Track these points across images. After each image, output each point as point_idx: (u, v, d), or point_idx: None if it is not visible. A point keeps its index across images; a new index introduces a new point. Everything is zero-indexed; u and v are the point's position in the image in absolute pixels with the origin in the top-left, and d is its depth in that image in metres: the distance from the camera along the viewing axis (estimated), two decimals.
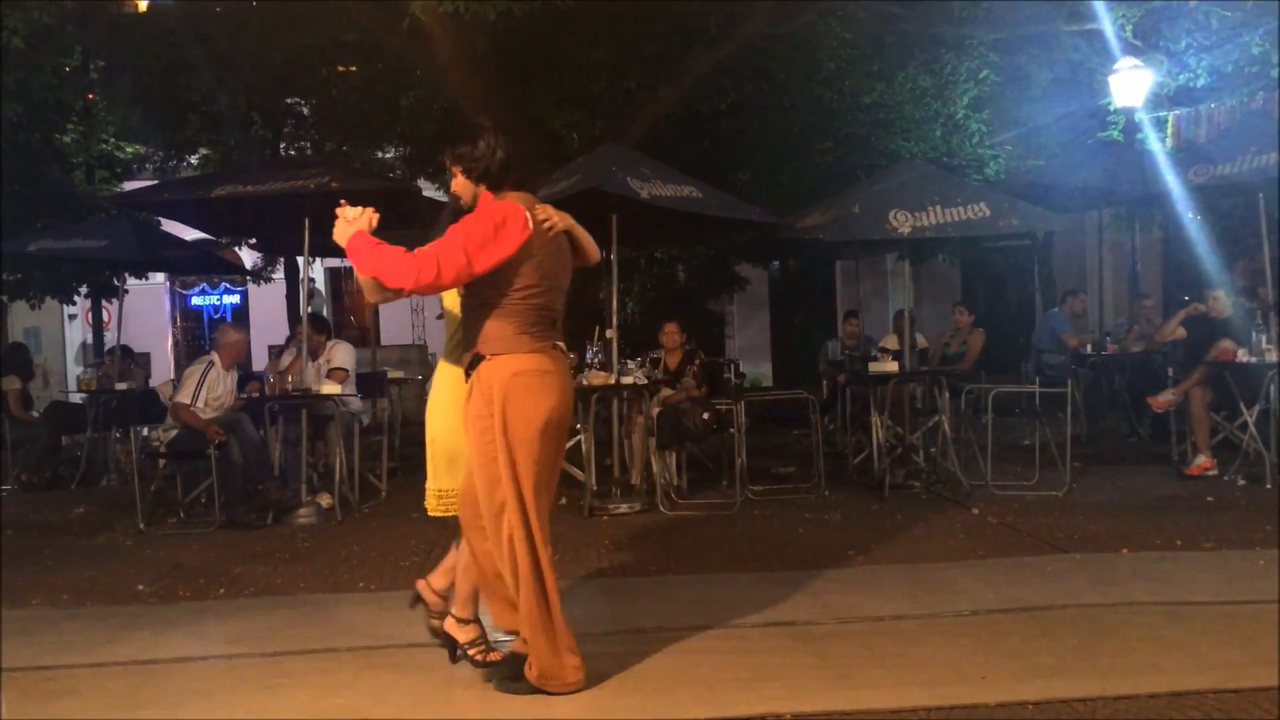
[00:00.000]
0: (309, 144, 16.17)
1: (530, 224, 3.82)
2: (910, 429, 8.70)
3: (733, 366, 11.93)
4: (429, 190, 14.64)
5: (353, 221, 3.93)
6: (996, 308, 18.56)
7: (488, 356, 3.81)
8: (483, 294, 3.83)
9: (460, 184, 3.99)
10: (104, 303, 15.04)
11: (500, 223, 3.76)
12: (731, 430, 8.00)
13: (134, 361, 11.81)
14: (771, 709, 3.56)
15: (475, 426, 3.81)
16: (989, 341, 10.56)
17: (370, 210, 3.99)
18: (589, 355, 8.48)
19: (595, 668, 4.03)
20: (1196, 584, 5.04)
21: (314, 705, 3.81)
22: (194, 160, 16.31)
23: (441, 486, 4.14)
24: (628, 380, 7.88)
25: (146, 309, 21.64)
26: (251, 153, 14.57)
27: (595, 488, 7.84)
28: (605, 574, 5.80)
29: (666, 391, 8.30)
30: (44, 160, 13.44)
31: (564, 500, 8.06)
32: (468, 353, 3.89)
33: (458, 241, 3.72)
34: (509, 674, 3.88)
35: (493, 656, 4.05)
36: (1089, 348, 10.58)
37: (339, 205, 4.02)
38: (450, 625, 4.15)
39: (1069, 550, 5.89)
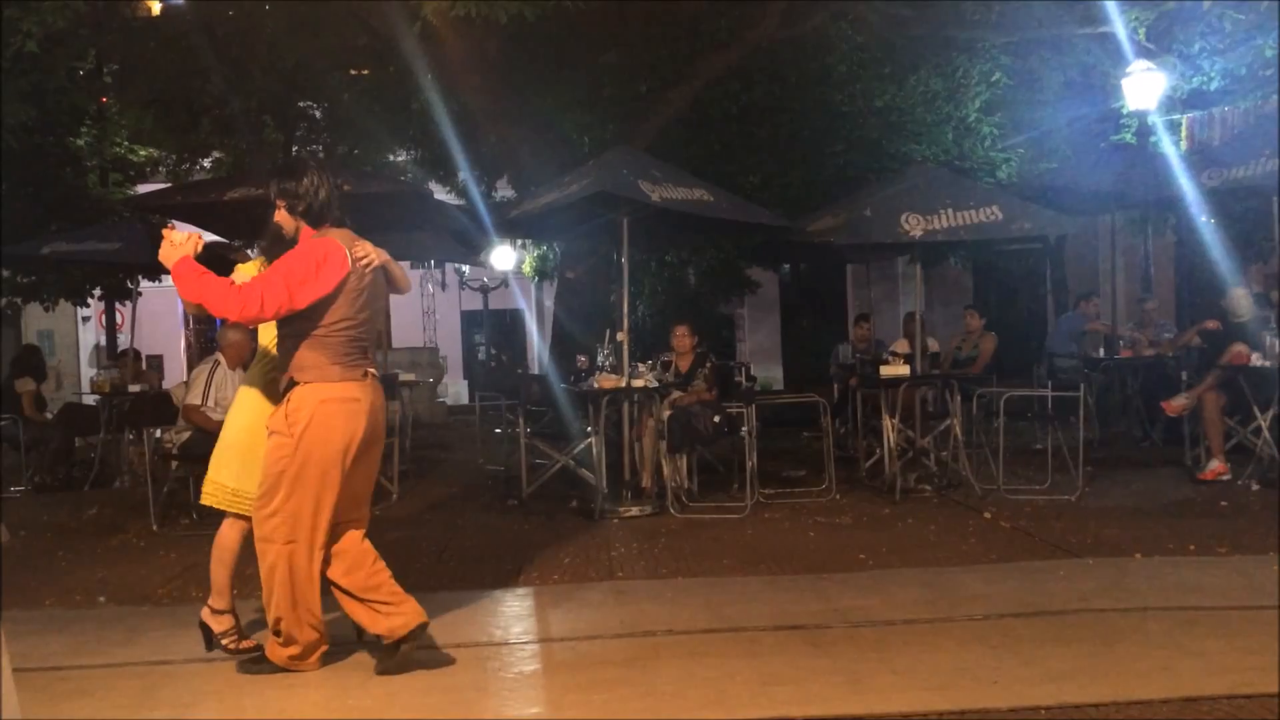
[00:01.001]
0: (321, 147, 16.23)
1: (349, 262, 4.07)
2: (922, 433, 8.68)
3: (743, 369, 11.90)
4: (440, 193, 14.71)
5: (179, 246, 4.05)
6: (1008, 311, 18.50)
7: (300, 383, 4.08)
8: (299, 325, 4.06)
9: (282, 217, 4.20)
10: (117, 305, 15.11)
11: (321, 260, 4.01)
12: (742, 433, 7.99)
13: (147, 364, 11.86)
14: (782, 713, 3.56)
15: (272, 440, 4.10)
16: (1001, 345, 10.53)
17: (197, 236, 4.14)
18: (600, 358, 8.48)
19: (604, 672, 4.04)
20: (1210, 589, 5.01)
21: (326, 707, 3.82)
22: (207, 163, 16.37)
23: (235, 486, 4.39)
24: (638, 383, 7.88)
25: (159, 311, 21.71)
26: (264, 156, 14.62)
27: (606, 490, 7.84)
28: (615, 577, 5.80)
29: (677, 394, 8.29)
30: (58, 163, 13.50)
31: (574, 503, 8.08)
32: (283, 374, 4.14)
33: (280, 278, 3.97)
34: (255, 659, 4.28)
35: (245, 644, 4.39)
36: (1101, 350, 10.55)
37: (168, 227, 4.25)
38: (206, 615, 4.45)
39: (1081, 555, 5.87)
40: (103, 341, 17.98)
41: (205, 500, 4.52)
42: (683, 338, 8.71)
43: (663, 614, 4.83)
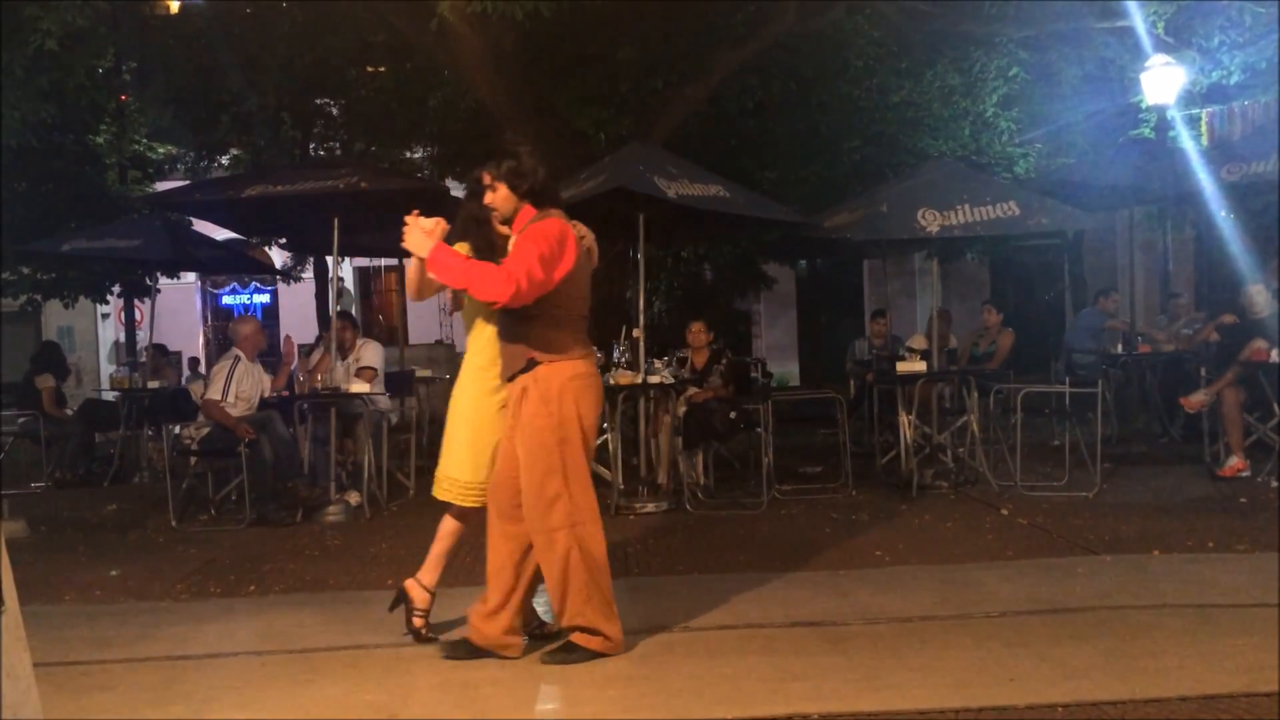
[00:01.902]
0: (338, 144, 16.27)
1: (577, 239, 4.16)
2: (938, 429, 8.66)
3: (759, 365, 11.92)
4: (456, 190, 14.71)
5: (430, 233, 4.11)
6: (1025, 307, 18.44)
7: (544, 362, 4.09)
8: (540, 304, 4.05)
9: (502, 198, 4.18)
10: (136, 302, 15.20)
11: (561, 239, 4.07)
12: (758, 429, 7.99)
13: (167, 360, 11.93)
14: (798, 709, 3.56)
15: (533, 424, 4.08)
16: (1018, 341, 10.49)
17: (441, 221, 4.19)
18: (616, 354, 8.48)
19: (621, 667, 4.04)
20: (1229, 586, 4.99)
21: (343, 702, 3.83)
22: (225, 161, 16.44)
23: (471, 479, 4.35)
24: (654, 379, 7.88)
25: (178, 308, 21.84)
26: (281, 153, 14.67)
27: (622, 487, 7.85)
28: (631, 573, 5.80)
29: (693, 390, 8.29)
30: (77, 161, 13.60)
31: None
32: (517, 356, 4.12)
33: (535, 257, 3.97)
34: (564, 647, 4.16)
35: (425, 630, 4.44)
36: (1120, 346, 10.50)
37: (411, 214, 4.19)
38: (411, 584, 4.49)
39: (1099, 552, 5.85)
40: (122, 338, 18.09)
41: (440, 495, 4.47)
42: (699, 334, 8.71)
43: (678, 610, 4.83)
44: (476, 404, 4.35)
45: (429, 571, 4.50)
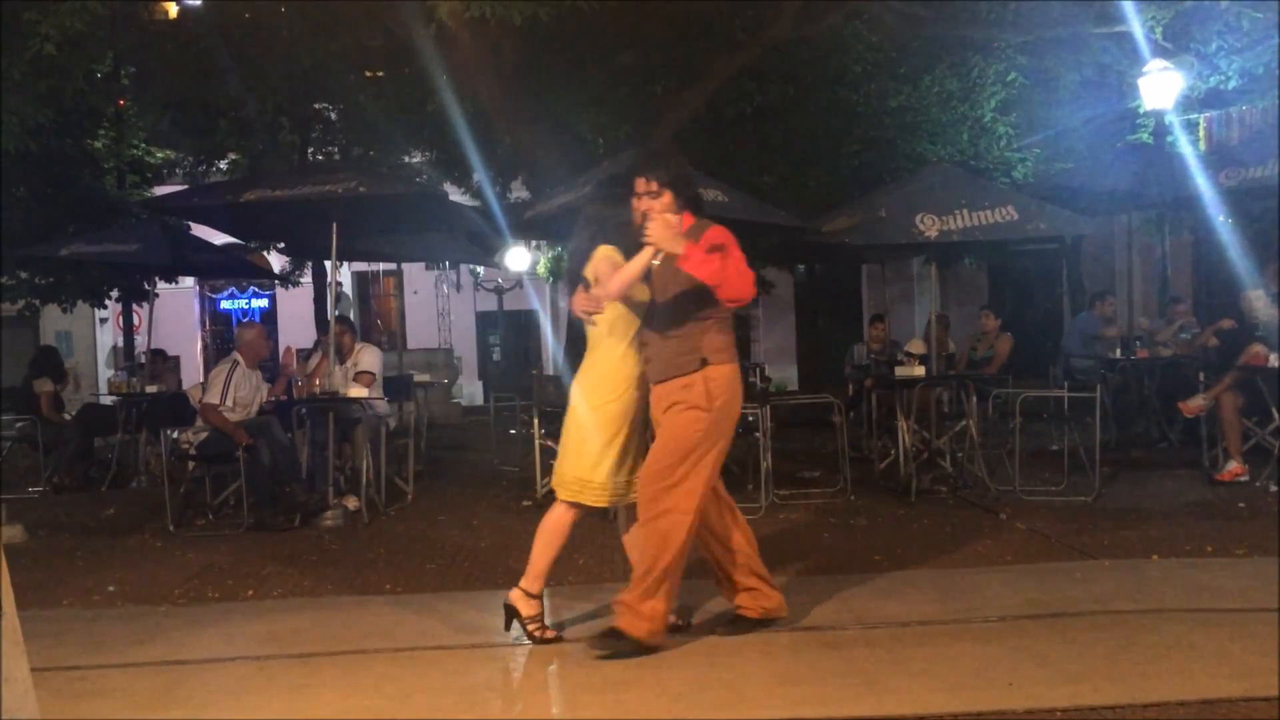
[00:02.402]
0: (337, 149, 16.27)
1: None
2: (937, 433, 8.66)
3: (758, 370, 11.89)
4: (455, 195, 14.74)
5: (676, 227, 4.16)
6: (1024, 312, 18.44)
7: (715, 363, 4.25)
8: (714, 308, 4.23)
9: (665, 204, 4.26)
10: (134, 306, 15.21)
11: (735, 244, 4.21)
12: (756, 434, 7.98)
13: (166, 365, 11.93)
14: (797, 714, 3.55)
15: (689, 414, 4.21)
16: (1016, 346, 10.49)
17: (681, 219, 4.25)
18: None
19: (619, 672, 4.04)
20: (1228, 590, 4.99)
21: (341, 706, 3.83)
22: (223, 165, 16.44)
23: (587, 478, 4.38)
24: None
25: (176, 312, 21.87)
26: (280, 158, 14.67)
27: None
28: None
29: None
30: (76, 165, 13.60)
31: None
32: (686, 356, 4.23)
33: (744, 262, 4.16)
34: (612, 639, 4.22)
35: (548, 634, 4.45)
36: (1118, 351, 10.51)
37: (665, 208, 4.23)
38: (515, 597, 4.44)
39: (1098, 556, 5.85)
40: (120, 342, 18.09)
41: (568, 497, 4.48)
42: None
43: (678, 614, 4.81)
44: (605, 398, 4.36)
45: (533, 581, 4.48)
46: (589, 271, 4.36)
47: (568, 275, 4.85)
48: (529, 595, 4.43)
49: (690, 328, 4.26)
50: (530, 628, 4.40)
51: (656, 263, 4.26)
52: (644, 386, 4.37)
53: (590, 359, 4.48)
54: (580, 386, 4.44)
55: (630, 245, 4.26)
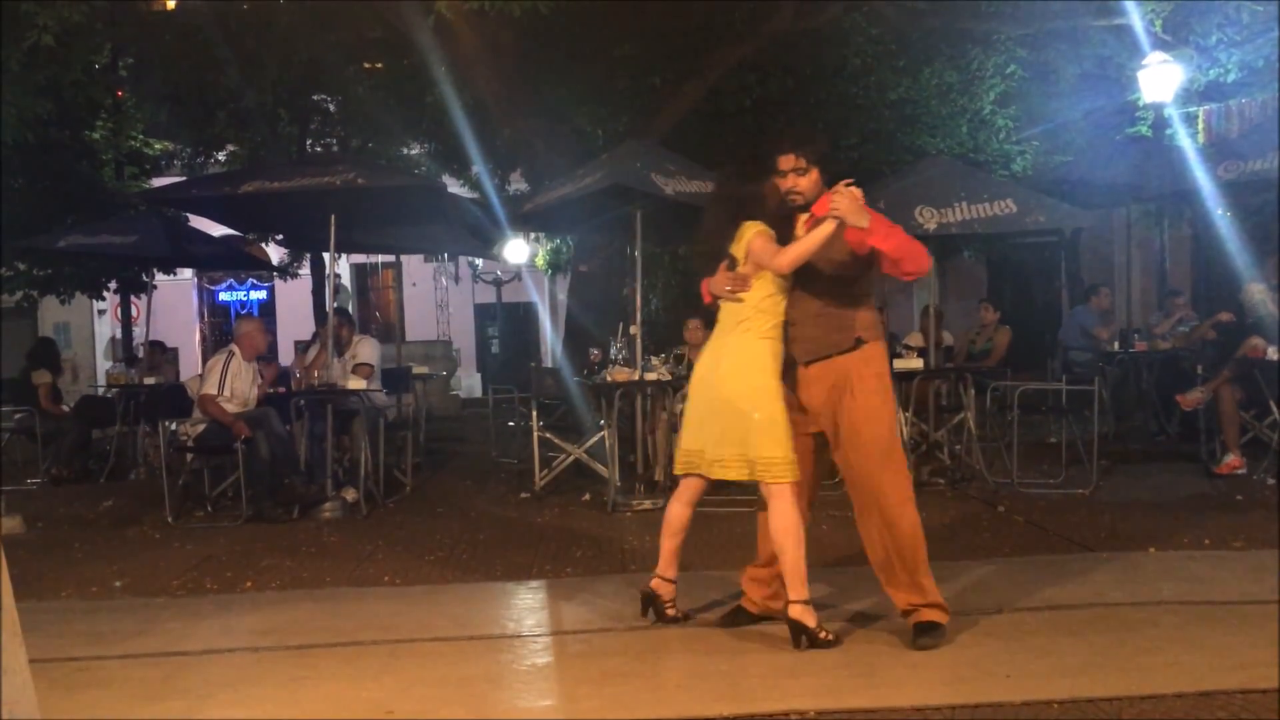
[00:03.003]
0: (335, 140, 16.28)
1: None
2: (935, 426, 8.66)
3: None
4: (454, 187, 14.74)
5: (861, 202, 4.01)
6: (1023, 304, 18.45)
7: (870, 341, 4.17)
8: (863, 286, 4.18)
9: (812, 182, 4.19)
10: (133, 298, 15.21)
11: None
12: None
13: (164, 356, 11.92)
14: (795, 706, 3.56)
15: (874, 400, 4.13)
16: (1015, 338, 10.49)
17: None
18: (613, 351, 8.49)
19: (618, 664, 4.04)
20: (1225, 583, 4.99)
21: (339, 698, 3.83)
22: (221, 157, 16.45)
23: (779, 455, 4.24)
24: (651, 376, 7.88)
25: (175, 304, 21.86)
26: (278, 149, 14.67)
27: (619, 484, 7.86)
28: (628, 570, 5.81)
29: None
30: (74, 157, 13.59)
31: (588, 496, 8.09)
32: (840, 334, 4.14)
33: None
34: (928, 631, 4.13)
35: (677, 612, 4.52)
36: (1116, 344, 10.51)
37: (846, 182, 4.05)
38: (798, 612, 4.17)
39: (1096, 549, 5.85)
40: (118, 334, 18.08)
41: (718, 474, 4.48)
42: (696, 331, 8.71)
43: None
44: (756, 376, 4.23)
45: (668, 567, 4.53)
46: (738, 249, 4.22)
47: (695, 256, 4.67)
48: (803, 603, 4.19)
49: (843, 305, 4.17)
50: (821, 635, 4.15)
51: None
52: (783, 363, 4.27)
53: (734, 340, 4.30)
54: (732, 368, 4.27)
55: (768, 222, 4.18)
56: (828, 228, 4.01)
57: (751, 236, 4.17)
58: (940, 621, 4.13)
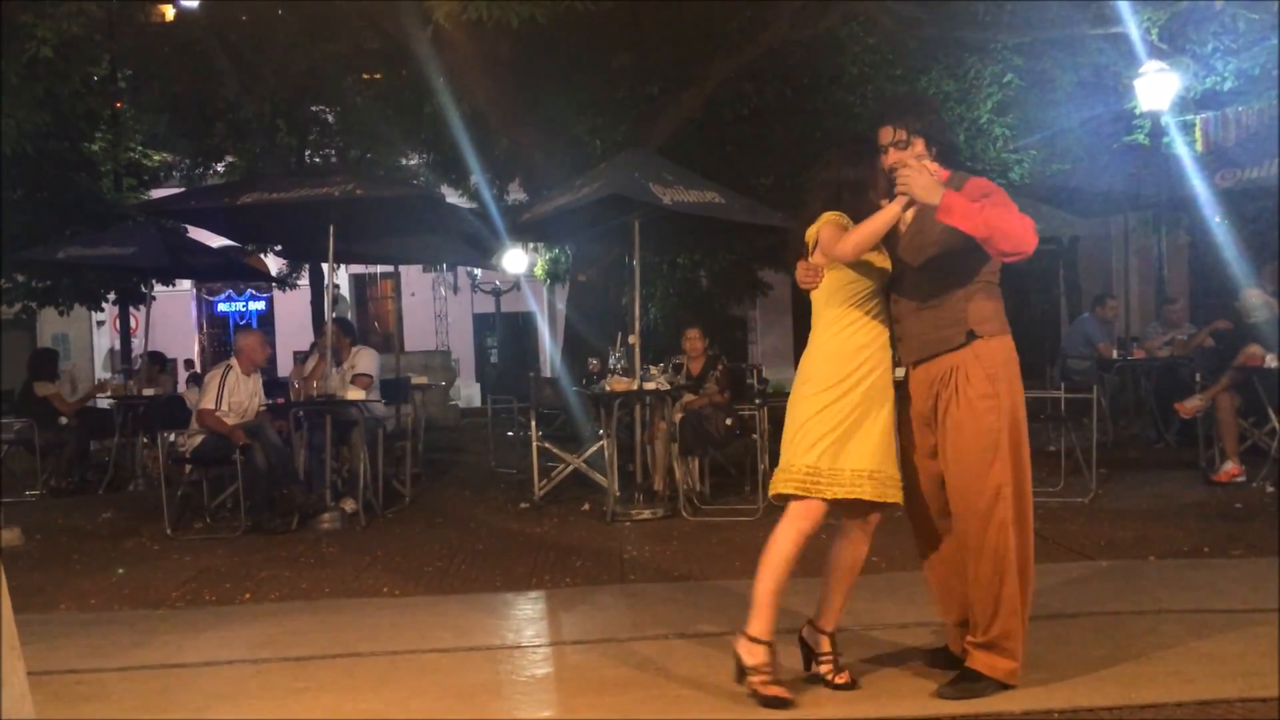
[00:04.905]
0: (334, 151, 16.30)
1: None
2: None
3: (755, 372, 11.91)
4: (452, 197, 14.75)
5: (940, 176, 3.59)
6: (1021, 312, 18.44)
7: (984, 336, 3.65)
8: (975, 272, 3.67)
9: (916, 156, 3.68)
10: (131, 309, 15.20)
11: (1004, 194, 3.63)
12: (754, 436, 7.99)
13: (163, 368, 11.91)
14: (795, 715, 3.55)
15: (979, 405, 3.59)
16: (1014, 346, 10.48)
17: (941, 170, 3.66)
18: (612, 361, 8.49)
19: (618, 673, 4.04)
20: (1225, 591, 4.99)
21: (338, 710, 3.82)
22: (220, 168, 16.46)
23: (866, 467, 3.69)
24: (650, 386, 7.88)
25: (173, 315, 21.85)
26: (277, 160, 14.69)
27: (618, 493, 7.86)
28: (628, 579, 5.81)
29: (689, 397, 8.30)
30: (72, 168, 13.59)
31: (586, 506, 8.09)
32: (948, 329, 3.66)
33: (1014, 208, 3.54)
34: (964, 681, 3.66)
35: (773, 691, 3.63)
36: (1114, 353, 10.52)
37: (916, 154, 3.66)
38: (740, 645, 3.70)
39: (1095, 557, 5.85)
40: (117, 345, 18.07)
41: (784, 489, 3.84)
42: (694, 340, 8.71)
43: (675, 617, 4.83)
44: (839, 377, 3.71)
45: (829, 616, 3.88)
46: (810, 237, 3.82)
47: (789, 251, 4.04)
48: (823, 631, 3.86)
49: (951, 295, 3.66)
50: (753, 680, 3.66)
51: (908, 217, 3.69)
52: (880, 360, 3.75)
53: (811, 339, 3.85)
54: (804, 372, 3.83)
55: (866, 210, 3.68)
56: (894, 208, 3.59)
57: (820, 224, 3.77)
58: (993, 676, 3.62)
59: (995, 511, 3.57)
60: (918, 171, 3.56)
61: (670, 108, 11.34)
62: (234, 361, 8.10)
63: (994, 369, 3.63)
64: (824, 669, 3.81)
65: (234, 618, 5.29)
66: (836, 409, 3.69)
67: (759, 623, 3.69)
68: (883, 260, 3.77)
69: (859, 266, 3.72)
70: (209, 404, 7.83)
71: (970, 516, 3.63)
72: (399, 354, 12.21)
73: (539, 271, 19.84)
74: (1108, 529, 6.59)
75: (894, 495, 3.75)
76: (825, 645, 3.84)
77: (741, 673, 3.67)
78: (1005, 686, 3.62)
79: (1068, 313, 15.96)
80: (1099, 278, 16.61)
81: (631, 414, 8.24)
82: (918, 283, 3.73)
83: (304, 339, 15.05)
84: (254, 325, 23.54)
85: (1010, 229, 3.48)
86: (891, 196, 3.63)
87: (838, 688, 3.75)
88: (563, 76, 11.60)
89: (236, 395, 7.96)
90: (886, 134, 3.75)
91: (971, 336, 3.65)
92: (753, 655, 3.66)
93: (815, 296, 3.85)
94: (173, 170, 16.57)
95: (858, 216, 3.70)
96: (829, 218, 3.77)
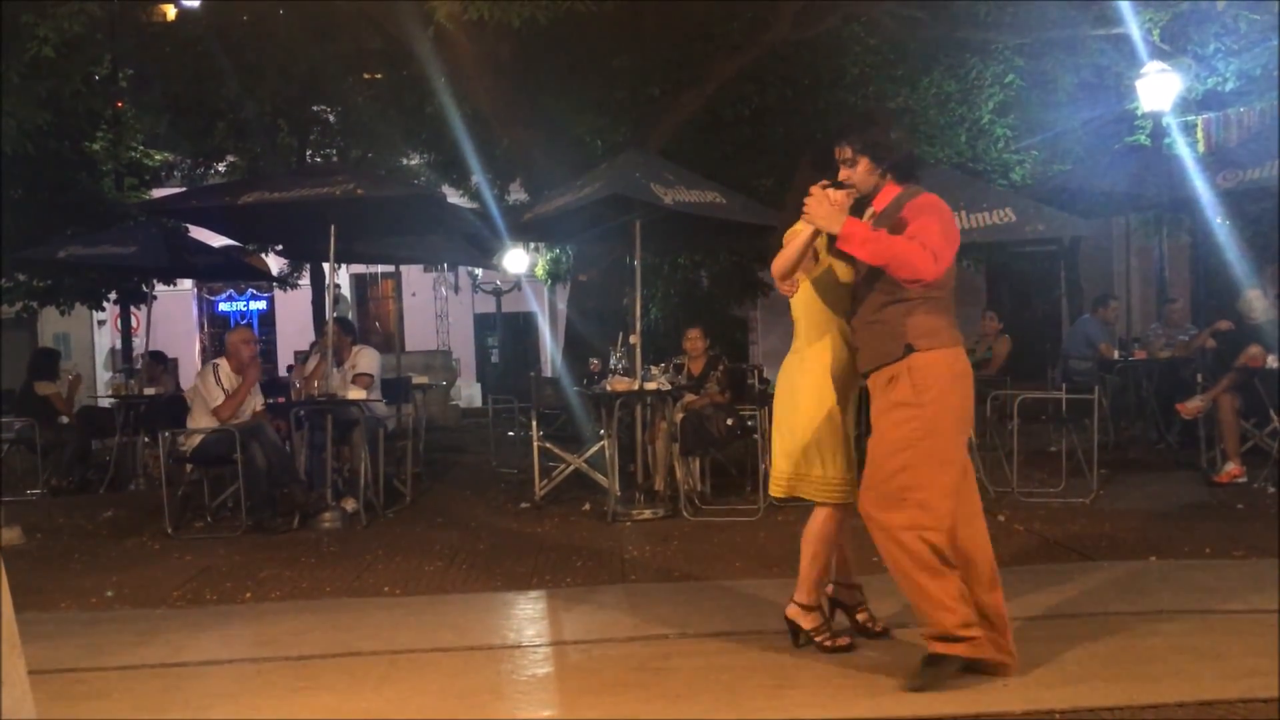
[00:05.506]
0: (335, 151, 16.30)
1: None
2: None
3: (756, 372, 11.90)
4: (453, 197, 14.75)
5: (840, 204, 3.79)
6: (1022, 313, 18.44)
7: (921, 350, 3.77)
8: (924, 286, 3.74)
9: (863, 173, 3.87)
10: (133, 309, 15.20)
11: (949, 215, 3.80)
12: (755, 436, 7.99)
13: (164, 367, 11.91)
14: (795, 715, 3.55)
15: (897, 413, 3.77)
16: (1015, 347, 10.49)
17: (853, 192, 3.87)
18: (613, 361, 8.49)
19: (618, 674, 4.04)
20: (1226, 592, 4.99)
21: (339, 709, 3.82)
22: (221, 167, 16.47)
23: (832, 475, 4.05)
24: (651, 386, 7.88)
25: (174, 315, 21.86)
26: (278, 160, 14.69)
27: (619, 493, 7.86)
28: (628, 579, 5.80)
29: (690, 397, 8.30)
30: (74, 168, 13.59)
31: (587, 506, 8.09)
32: (890, 343, 3.80)
33: (938, 232, 3.68)
34: (928, 668, 3.77)
35: (839, 642, 4.14)
36: (1115, 353, 10.52)
37: (819, 185, 3.84)
38: (794, 613, 4.19)
39: (1096, 558, 5.85)
40: (118, 345, 18.08)
41: (780, 493, 4.17)
42: (695, 340, 8.71)
43: (676, 617, 4.82)
44: (827, 388, 4.03)
45: (805, 592, 4.19)
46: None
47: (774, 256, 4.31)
48: (806, 609, 4.19)
49: (893, 310, 3.80)
50: (818, 639, 4.15)
51: (818, 245, 3.94)
52: (847, 374, 4.05)
53: (792, 346, 4.19)
54: (783, 379, 4.17)
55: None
56: (805, 234, 3.87)
57: (785, 237, 4.00)
58: (950, 654, 3.74)
59: (899, 516, 3.74)
60: (818, 201, 3.77)
61: (671, 108, 11.34)
62: (219, 360, 8.12)
63: (925, 381, 3.75)
64: (821, 639, 4.16)
65: (235, 617, 5.29)
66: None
67: (809, 594, 4.18)
68: (846, 273, 3.99)
69: (826, 278, 4.00)
70: (218, 400, 7.85)
71: (878, 516, 3.79)
72: (400, 354, 12.21)
73: (540, 271, 19.87)
74: (1109, 529, 6.59)
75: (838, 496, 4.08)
76: (817, 619, 4.20)
77: (797, 635, 4.18)
78: (970, 662, 3.74)
79: (1069, 313, 15.90)
80: (1100, 278, 16.60)
81: (632, 414, 8.24)
82: (866, 297, 3.90)
83: (305, 339, 15.07)
84: (255, 324, 23.55)
85: (907, 258, 3.63)
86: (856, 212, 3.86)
87: (875, 635, 4.26)
88: (564, 77, 11.60)
89: (231, 387, 7.99)
90: (838, 151, 3.92)
91: (909, 350, 3.78)
92: (809, 620, 4.17)
93: (793, 304, 4.13)
94: (174, 170, 16.58)
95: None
96: (794, 229, 3.98)
